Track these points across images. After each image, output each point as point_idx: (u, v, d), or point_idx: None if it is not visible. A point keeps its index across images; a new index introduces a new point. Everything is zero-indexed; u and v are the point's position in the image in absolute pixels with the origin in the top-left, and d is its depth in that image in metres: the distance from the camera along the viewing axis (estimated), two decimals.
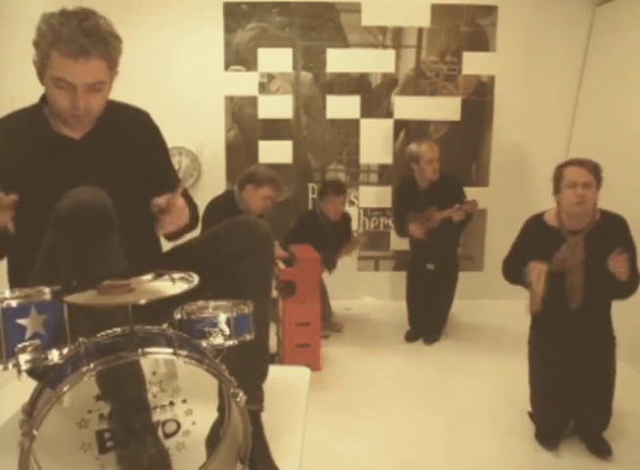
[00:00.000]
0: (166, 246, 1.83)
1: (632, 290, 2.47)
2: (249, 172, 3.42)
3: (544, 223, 2.60)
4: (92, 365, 1.11)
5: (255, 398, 1.65)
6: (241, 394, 1.27)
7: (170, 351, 1.18)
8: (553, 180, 2.55)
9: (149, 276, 1.25)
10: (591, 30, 4.49)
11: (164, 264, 1.50)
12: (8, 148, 1.52)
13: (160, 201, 1.58)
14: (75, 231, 1.29)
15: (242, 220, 1.76)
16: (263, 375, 1.73)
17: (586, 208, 2.46)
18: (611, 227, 2.50)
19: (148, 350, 1.16)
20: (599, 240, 2.46)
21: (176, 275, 1.27)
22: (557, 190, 2.53)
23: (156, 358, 1.21)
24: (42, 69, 1.47)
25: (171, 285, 1.23)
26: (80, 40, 1.42)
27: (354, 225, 4.69)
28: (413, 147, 3.90)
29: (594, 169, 2.47)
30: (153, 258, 1.74)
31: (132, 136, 1.68)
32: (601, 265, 2.41)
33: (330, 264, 4.02)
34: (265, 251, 1.68)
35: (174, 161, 4.51)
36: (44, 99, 1.59)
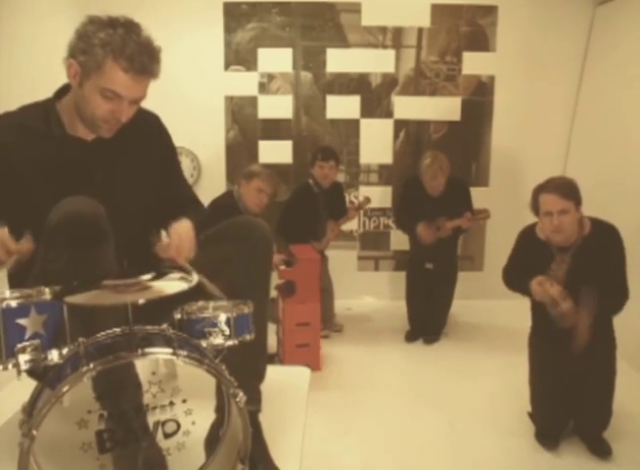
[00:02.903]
0: None
1: (620, 306, 2.45)
2: (243, 171, 3.54)
3: (535, 236, 2.59)
4: (92, 365, 1.11)
5: (253, 398, 1.64)
6: (240, 394, 1.27)
7: (170, 351, 1.18)
8: (531, 204, 2.51)
9: (149, 276, 1.24)
10: (591, 30, 4.49)
11: (165, 265, 1.51)
12: (17, 143, 1.50)
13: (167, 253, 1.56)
14: (65, 243, 1.28)
15: (241, 221, 1.76)
16: (261, 376, 1.73)
17: (565, 235, 2.43)
18: (601, 239, 2.48)
19: (147, 350, 1.16)
20: (589, 254, 2.45)
21: (176, 275, 1.27)
22: (536, 214, 2.51)
23: (155, 358, 1.21)
24: (85, 74, 1.45)
25: (171, 284, 1.23)
26: (143, 59, 1.43)
27: (354, 225, 4.70)
28: (421, 162, 3.80)
29: (570, 192, 2.41)
30: (154, 258, 1.74)
31: (142, 138, 1.67)
32: (589, 278, 2.40)
33: (320, 234, 4.00)
34: (264, 252, 1.68)
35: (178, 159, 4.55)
36: (57, 95, 1.57)
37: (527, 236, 2.63)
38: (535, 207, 2.50)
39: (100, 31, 1.42)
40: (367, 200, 4.16)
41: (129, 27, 1.45)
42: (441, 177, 3.73)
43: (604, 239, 2.48)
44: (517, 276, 2.61)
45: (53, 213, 1.30)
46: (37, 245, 1.40)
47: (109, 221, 1.34)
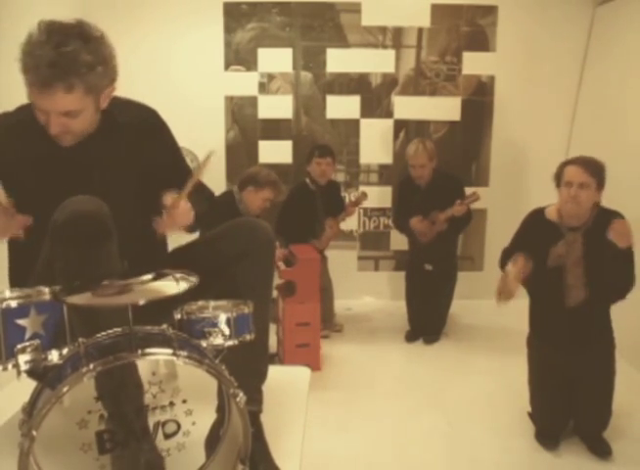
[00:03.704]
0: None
1: (626, 290, 2.45)
2: (250, 174, 3.42)
3: (544, 218, 2.59)
4: (92, 366, 1.11)
5: (254, 399, 1.64)
6: (241, 394, 1.27)
7: (170, 351, 1.18)
8: (555, 175, 2.54)
9: (149, 276, 1.24)
10: (591, 30, 4.49)
11: (166, 264, 1.50)
12: (11, 143, 1.49)
13: (166, 201, 1.55)
14: (72, 241, 1.27)
15: (244, 222, 1.75)
16: (263, 376, 1.73)
17: (579, 208, 2.45)
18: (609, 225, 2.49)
19: (147, 350, 1.16)
20: (598, 237, 2.44)
21: (177, 275, 1.27)
22: (558, 185, 2.52)
23: (155, 359, 1.21)
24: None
25: (171, 285, 1.22)
26: (43, 72, 1.33)
27: (354, 225, 4.71)
28: (408, 147, 3.87)
29: (595, 171, 2.44)
30: (156, 257, 1.73)
31: (137, 134, 1.65)
32: (599, 262, 2.41)
33: (319, 232, 4.00)
34: (267, 253, 1.68)
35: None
36: None
37: (536, 217, 2.63)
38: (558, 178, 2.51)
39: (24, 43, 1.37)
40: (364, 195, 4.18)
41: (52, 37, 1.35)
42: (424, 156, 3.73)
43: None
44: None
45: (58, 212, 1.30)
46: (34, 243, 1.40)
47: (113, 220, 1.34)
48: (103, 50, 1.42)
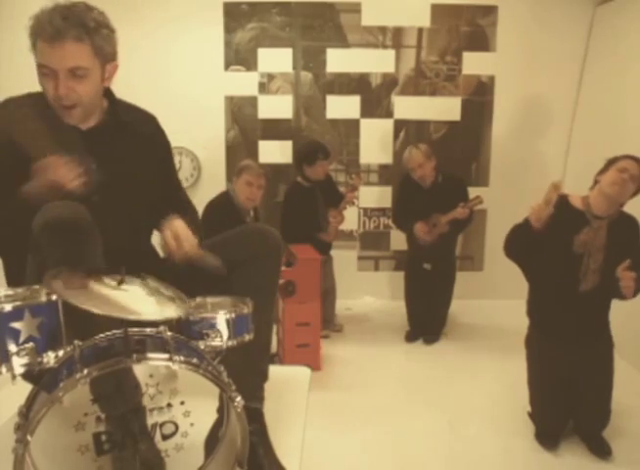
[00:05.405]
0: None
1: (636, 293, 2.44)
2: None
3: (568, 204, 2.55)
4: (86, 372, 1.10)
5: (257, 396, 1.65)
6: (239, 398, 1.26)
7: (166, 356, 1.17)
8: (605, 163, 2.53)
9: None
10: (591, 30, 4.49)
11: (171, 269, 1.50)
12: (19, 126, 1.48)
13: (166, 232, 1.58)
14: (51, 245, 1.27)
15: (254, 229, 1.80)
16: (265, 376, 1.74)
17: (620, 196, 2.44)
18: (625, 225, 2.49)
19: (143, 355, 1.15)
20: (618, 231, 2.46)
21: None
22: (604, 170, 2.50)
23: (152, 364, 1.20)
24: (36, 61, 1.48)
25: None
26: (56, 23, 1.42)
27: (354, 225, 4.70)
28: (403, 156, 3.89)
29: None
30: (158, 262, 1.73)
31: (138, 135, 1.67)
32: (618, 252, 2.40)
33: (324, 225, 4.00)
34: (275, 259, 1.71)
35: (174, 161, 4.54)
36: None
37: (559, 201, 2.53)
38: (608, 164, 2.51)
39: (32, 19, 1.46)
40: (359, 178, 4.19)
41: (59, 4, 1.46)
42: (419, 155, 3.74)
43: (628, 225, 2.51)
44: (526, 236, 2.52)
45: (37, 220, 1.30)
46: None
47: (93, 222, 1.34)
48: (106, 20, 1.52)
